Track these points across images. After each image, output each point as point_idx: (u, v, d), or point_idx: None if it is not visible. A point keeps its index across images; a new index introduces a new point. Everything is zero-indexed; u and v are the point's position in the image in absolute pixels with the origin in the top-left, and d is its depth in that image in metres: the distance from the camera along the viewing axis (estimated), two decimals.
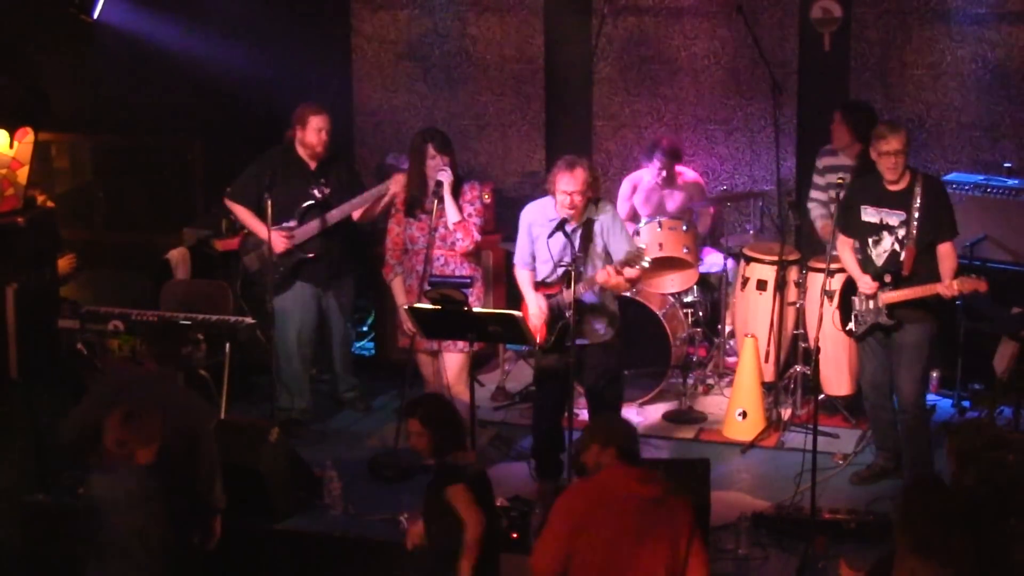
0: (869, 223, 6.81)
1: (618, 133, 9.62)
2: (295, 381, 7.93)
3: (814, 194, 8.06)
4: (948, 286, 6.60)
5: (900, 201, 6.71)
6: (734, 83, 9.35)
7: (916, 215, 6.66)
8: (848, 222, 6.89)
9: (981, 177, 8.35)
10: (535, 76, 9.71)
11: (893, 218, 6.74)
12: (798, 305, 7.93)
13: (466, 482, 5.36)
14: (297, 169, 7.73)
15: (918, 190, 6.68)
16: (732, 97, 9.37)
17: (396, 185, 7.50)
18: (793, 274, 7.97)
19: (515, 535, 6.42)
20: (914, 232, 6.67)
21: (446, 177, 7.02)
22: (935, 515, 4.68)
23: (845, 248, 6.94)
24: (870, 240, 6.83)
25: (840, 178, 7.17)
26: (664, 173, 8.50)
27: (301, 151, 7.72)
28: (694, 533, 4.93)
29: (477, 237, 7.09)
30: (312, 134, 7.68)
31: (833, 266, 6.91)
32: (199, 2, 9.62)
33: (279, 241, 7.60)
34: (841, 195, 7.12)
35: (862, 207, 6.83)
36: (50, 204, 7.92)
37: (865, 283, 6.81)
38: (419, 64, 9.86)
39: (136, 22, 9.28)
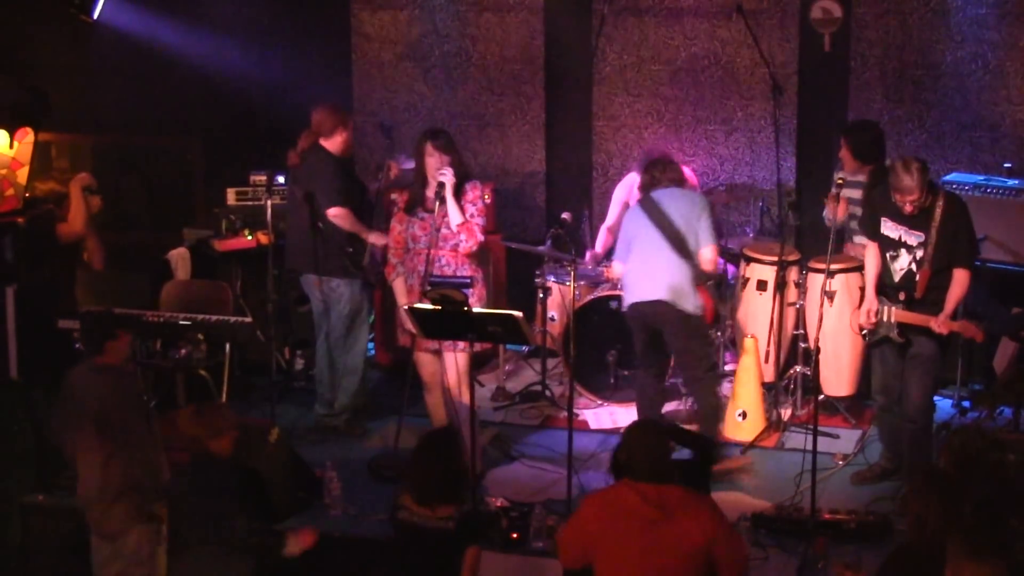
0: (888, 237, 6.75)
1: (618, 133, 9.62)
2: (357, 379, 7.93)
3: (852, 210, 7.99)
4: (940, 324, 6.56)
5: (920, 222, 6.61)
6: (734, 83, 9.35)
7: (934, 237, 6.58)
8: (874, 230, 6.83)
9: (981, 177, 8.34)
10: (535, 76, 9.71)
11: (912, 238, 6.66)
12: (798, 305, 7.93)
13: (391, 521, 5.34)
14: (350, 171, 7.80)
15: (938, 212, 6.58)
16: (732, 97, 9.37)
17: (393, 170, 7.66)
18: (793, 274, 7.97)
19: (515, 535, 6.43)
20: (930, 254, 6.60)
21: (448, 179, 7.01)
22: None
23: (870, 258, 6.87)
24: (888, 254, 6.76)
25: (840, 179, 7.17)
26: None
27: (342, 150, 7.76)
28: (716, 540, 4.88)
29: (481, 238, 7.09)
30: (352, 134, 7.81)
31: (833, 266, 6.91)
32: (199, 2, 9.63)
33: (382, 237, 7.61)
34: (841, 192, 7.12)
35: (883, 219, 6.76)
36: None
37: (867, 308, 6.80)
38: (419, 64, 9.86)
39: (135, 22, 9.29)
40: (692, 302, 7.13)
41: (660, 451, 5.08)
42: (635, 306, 7.22)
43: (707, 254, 7.16)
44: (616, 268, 7.41)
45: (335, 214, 7.59)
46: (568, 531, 5.18)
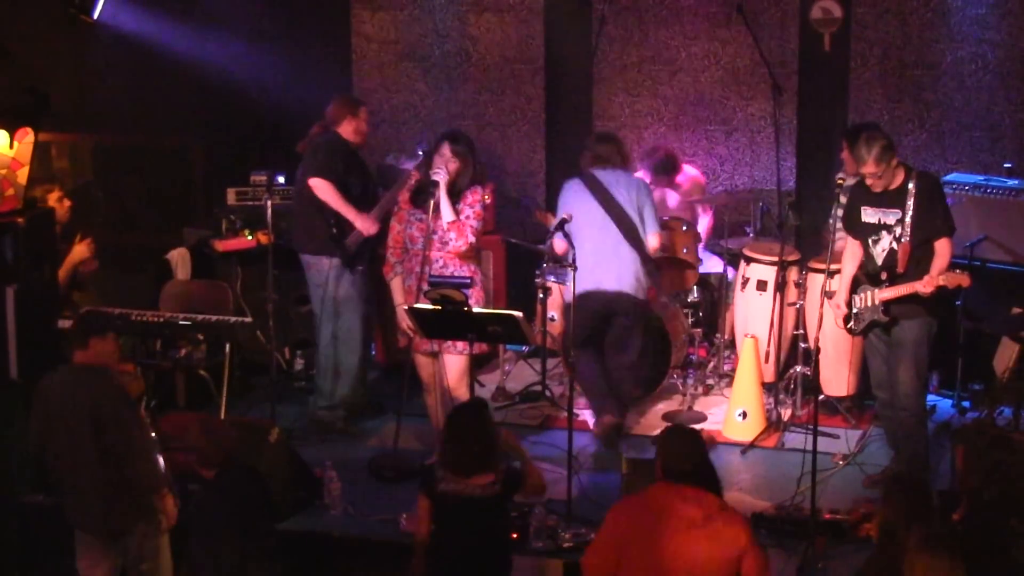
0: (869, 223, 6.84)
1: (618, 133, 9.60)
2: (354, 370, 7.92)
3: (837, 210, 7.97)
4: (924, 283, 6.62)
5: (895, 200, 6.75)
6: (734, 83, 9.35)
7: (910, 212, 6.69)
8: (853, 224, 6.93)
9: (981, 177, 8.35)
10: (535, 76, 9.71)
11: (890, 217, 6.76)
12: (798, 305, 7.93)
13: (427, 493, 5.48)
14: (355, 159, 7.80)
15: (911, 188, 6.71)
16: (732, 97, 9.38)
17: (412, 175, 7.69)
18: (793, 274, 7.97)
19: (515, 535, 6.42)
20: (908, 229, 6.70)
21: (441, 177, 7.00)
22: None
23: (848, 255, 6.96)
24: (870, 240, 6.85)
25: (840, 179, 7.17)
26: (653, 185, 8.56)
27: (355, 139, 7.77)
28: (746, 553, 4.84)
29: (471, 239, 7.07)
30: (364, 122, 7.81)
31: (833, 267, 6.92)
32: (199, 2, 9.62)
33: (373, 224, 7.64)
34: (843, 196, 7.12)
35: (862, 208, 6.87)
36: (66, 202, 7.93)
37: (838, 300, 6.87)
38: (419, 64, 9.86)
39: (135, 22, 9.29)
40: (643, 290, 7.40)
41: (698, 454, 5.03)
42: (593, 294, 7.34)
43: (653, 241, 7.38)
44: (559, 244, 7.42)
45: (316, 184, 7.59)
46: (599, 543, 5.01)
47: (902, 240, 6.73)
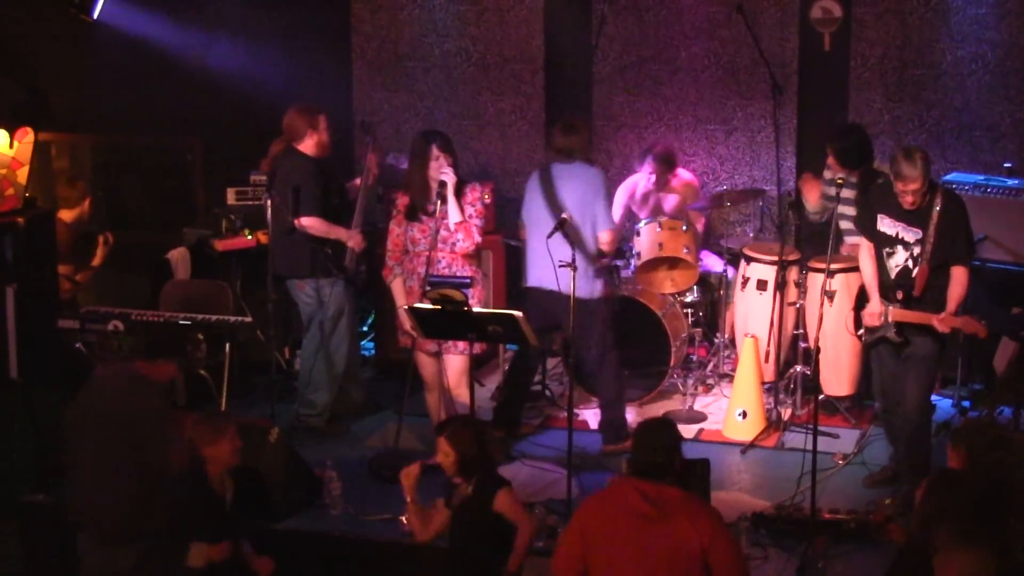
0: (885, 234, 6.69)
1: (618, 133, 9.62)
2: (338, 378, 7.91)
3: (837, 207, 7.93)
4: (942, 320, 6.49)
5: (918, 218, 6.56)
6: (734, 83, 9.35)
7: (932, 234, 6.53)
8: (867, 228, 6.80)
9: (981, 177, 8.34)
10: (535, 76, 9.71)
11: (909, 234, 6.60)
12: (798, 305, 7.93)
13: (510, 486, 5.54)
14: (322, 172, 7.74)
15: (937, 208, 6.53)
16: (732, 97, 9.37)
17: (371, 162, 7.81)
18: (793, 274, 7.97)
19: None
20: (928, 251, 6.55)
21: (449, 178, 7.03)
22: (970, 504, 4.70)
23: (866, 258, 6.81)
24: (884, 252, 6.71)
25: (840, 179, 7.14)
26: (655, 178, 8.56)
27: (317, 151, 7.70)
28: (714, 543, 4.74)
29: (478, 239, 7.10)
30: (325, 132, 7.72)
31: (833, 266, 6.90)
32: (199, 2, 9.63)
33: (362, 238, 7.68)
34: (840, 194, 7.09)
35: (879, 216, 6.70)
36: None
37: (873, 305, 6.72)
38: (419, 64, 9.86)
39: (136, 22, 9.29)
40: (587, 288, 7.24)
41: (663, 448, 4.90)
42: (535, 291, 7.41)
43: (604, 238, 7.34)
44: (523, 230, 7.60)
45: (303, 224, 7.54)
46: (566, 537, 5.02)
47: (920, 261, 6.57)
